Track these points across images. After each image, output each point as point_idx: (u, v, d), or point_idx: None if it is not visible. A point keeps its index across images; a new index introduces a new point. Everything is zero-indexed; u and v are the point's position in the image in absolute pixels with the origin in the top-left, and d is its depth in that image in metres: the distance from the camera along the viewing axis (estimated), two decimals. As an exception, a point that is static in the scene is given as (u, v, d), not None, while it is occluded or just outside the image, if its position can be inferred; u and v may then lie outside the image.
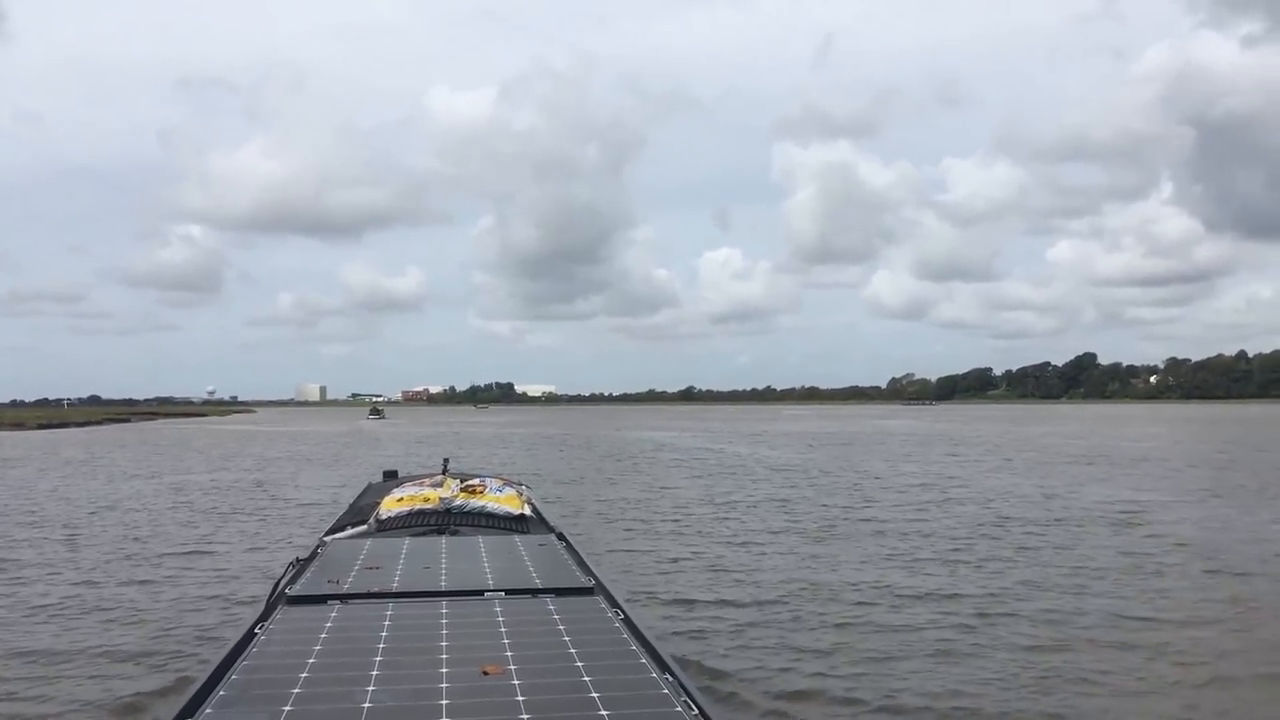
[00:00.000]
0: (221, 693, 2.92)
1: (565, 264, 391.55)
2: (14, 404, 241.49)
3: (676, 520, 17.62)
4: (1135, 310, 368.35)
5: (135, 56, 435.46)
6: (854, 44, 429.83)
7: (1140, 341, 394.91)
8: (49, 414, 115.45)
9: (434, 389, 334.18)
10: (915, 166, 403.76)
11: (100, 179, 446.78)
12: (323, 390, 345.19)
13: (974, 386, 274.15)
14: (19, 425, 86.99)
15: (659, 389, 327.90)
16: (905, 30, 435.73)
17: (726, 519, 17.78)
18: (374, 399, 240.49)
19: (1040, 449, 40.54)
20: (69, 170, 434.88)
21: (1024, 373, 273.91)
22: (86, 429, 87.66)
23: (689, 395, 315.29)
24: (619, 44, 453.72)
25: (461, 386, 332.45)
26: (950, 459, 34.35)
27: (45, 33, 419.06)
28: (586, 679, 3.01)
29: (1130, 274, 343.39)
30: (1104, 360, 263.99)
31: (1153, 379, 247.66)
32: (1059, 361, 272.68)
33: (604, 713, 2.73)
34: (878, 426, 73.38)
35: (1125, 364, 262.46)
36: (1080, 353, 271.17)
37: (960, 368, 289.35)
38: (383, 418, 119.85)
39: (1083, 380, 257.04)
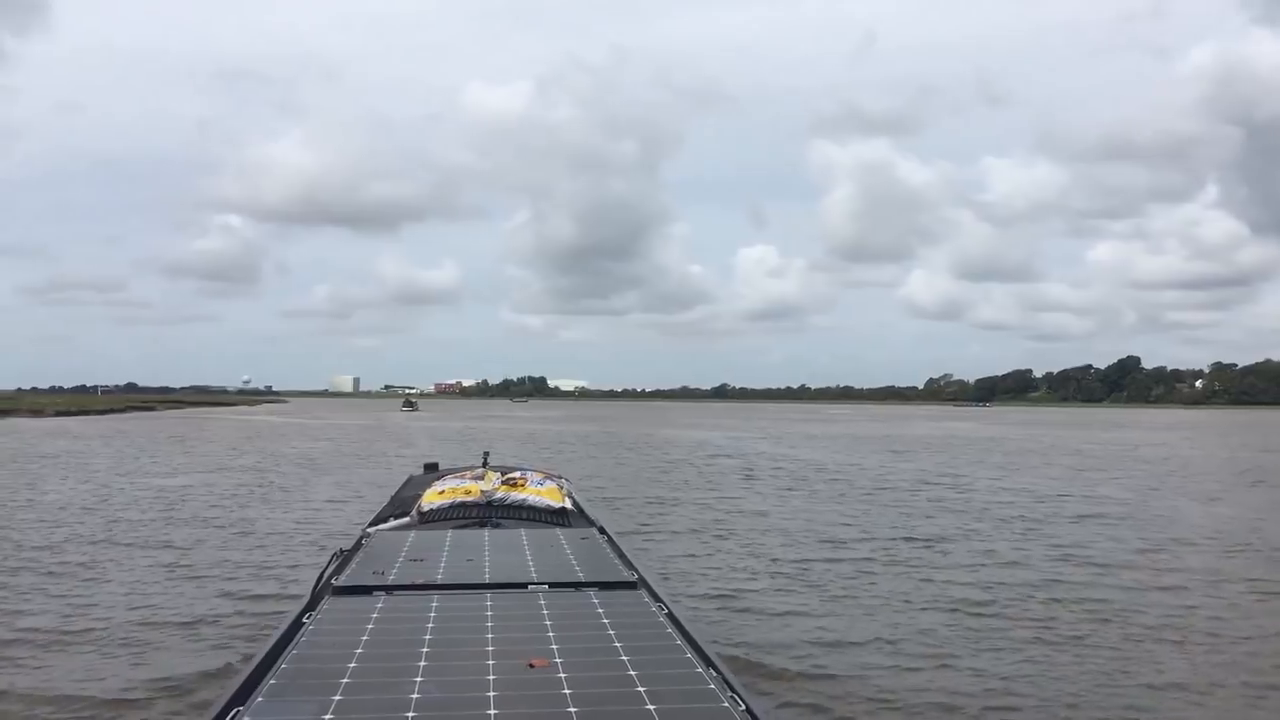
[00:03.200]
0: (272, 681, 2.88)
1: (599, 259, 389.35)
2: (52, 390, 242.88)
3: (787, 574, 12.41)
4: (1176, 314, 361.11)
5: (172, 48, 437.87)
6: (893, 40, 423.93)
7: (1180, 345, 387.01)
8: (71, 401, 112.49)
9: (467, 382, 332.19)
10: (954, 165, 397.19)
11: (138, 169, 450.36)
12: (356, 381, 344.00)
13: (1013, 388, 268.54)
14: (37, 412, 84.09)
15: (692, 386, 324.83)
16: (946, 27, 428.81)
17: (864, 575, 12.42)
18: (407, 391, 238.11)
19: (1180, 462, 34.91)
20: (108, 160, 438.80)
21: (1065, 375, 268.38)
22: (108, 417, 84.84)
23: (722, 393, 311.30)
24: (653, 39, 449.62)
25: (494, 380, 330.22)
26: (1090, 474, 28.73)
27: (85, 23, 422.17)
28: (633, 673, 2.94)
29: (1172, 276, 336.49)
30: (1145, 364, 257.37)
31: (1198, 383, 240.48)
32: (1097, 364, 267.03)
33: (651, 707, 2.66)
34: (946, 430, 67.57)
35: (1169, 368, 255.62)
36: (1118, 355, 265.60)
37: (996, 369, 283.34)
38: (416, 410, 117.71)
39: (1126, 384, 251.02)
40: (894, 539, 15.14)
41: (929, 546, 14.46)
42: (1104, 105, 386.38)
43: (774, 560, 13.29)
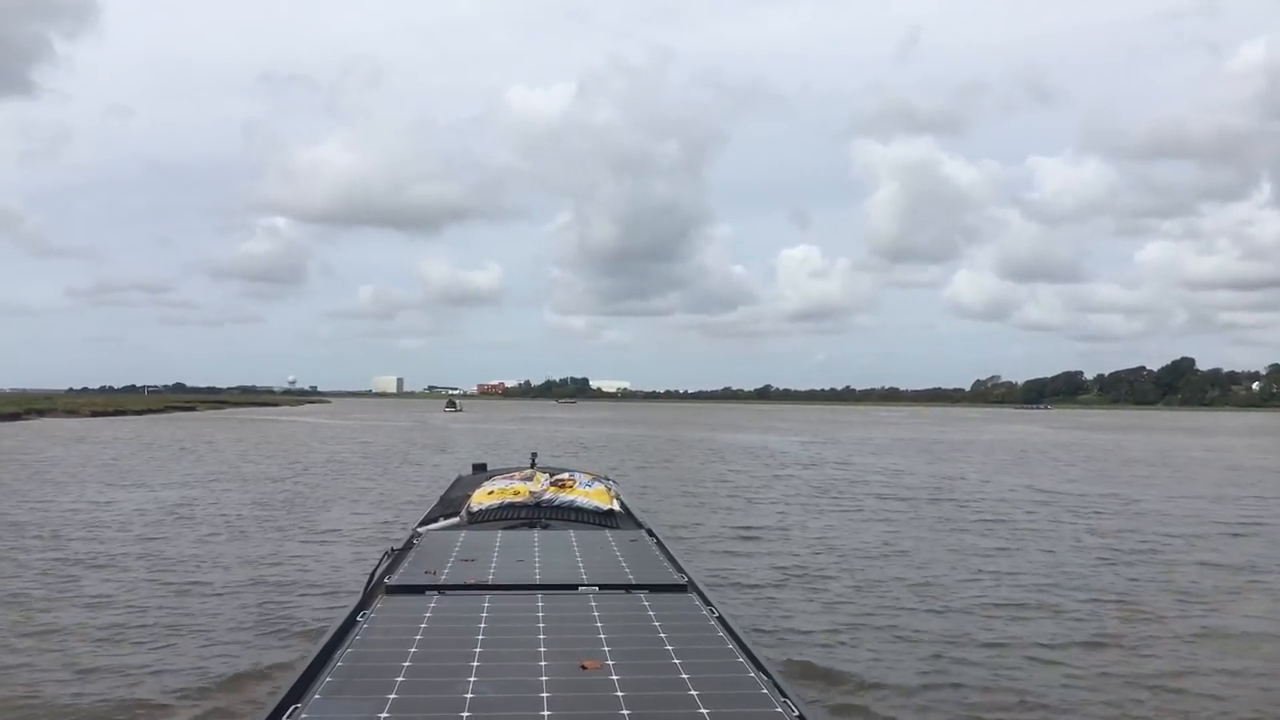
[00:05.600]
0: (328, 679, 2.87)
1: (642, 260, 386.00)
2: (103, 390, 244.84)
3: (961, 686, 8.59)
4: (1229, 314, 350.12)
5: (219, 53, 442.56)
6: (939, 38, 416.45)
7: (1232, 347, 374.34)
8: (110, 401, 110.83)
9: (509, 383, 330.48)
10: (1001, 164, 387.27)
11: (186, 172, 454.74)
12: (399, 382, 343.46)
13: (1063, 390, 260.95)
14: (72, 412, 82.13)
15: (735, 387, 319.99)
16: (992, 24, 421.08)
17: (1076, 681, 8.42)
18: (450, 392, 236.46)
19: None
20: (157, 163, 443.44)
21: (1116, 377, 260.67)
22: (144, 418, 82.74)
23: (765, 394, 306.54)
24: (696, 39, 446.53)
25: (536, 381, 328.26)
26: (1243, 489, 24.26)
27: (135, 29, 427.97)
28: (684, 676, 2.91)
29: (1224, 277, 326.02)
30: (1198, 365, 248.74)
31: (1255, 386, 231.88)
32: (1147, 365, 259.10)
33: (704, 711, 2.63)
34: (1018, 435, 62.07)
35: (1224, 369, 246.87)
36: (1168, 357, 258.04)
37: (1042, 371, 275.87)
38: (459, 411, 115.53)
39: (1179, 386, 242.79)
40: (1078, 601, 11.11)
41: (1145, 617, 10.39)
42: (1154, 103, 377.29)
43: (917, 641, 9.37)
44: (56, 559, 13.14)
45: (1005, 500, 21.62)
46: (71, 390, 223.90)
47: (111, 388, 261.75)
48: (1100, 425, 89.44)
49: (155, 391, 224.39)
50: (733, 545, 14.81)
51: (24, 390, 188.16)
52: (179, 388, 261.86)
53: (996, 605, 10.74)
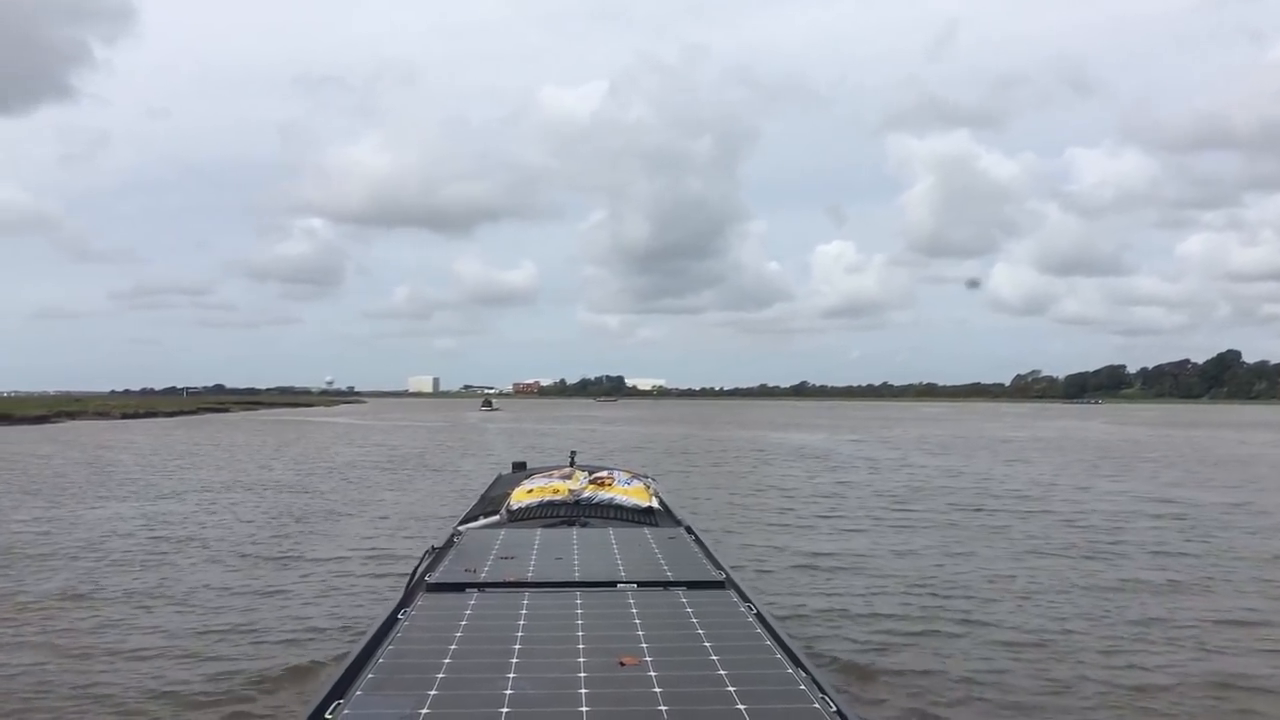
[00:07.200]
0: (370, 675, 2.90)
1: (676, 258, 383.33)
2: (144, 392, 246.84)
3: None
4: (1273, 306, 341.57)
5: (254, 55, 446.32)
6: (976, 31, 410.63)
7: (1276, 339, 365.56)
8: (142, 403, 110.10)
9: (545, 382, 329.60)
10: (1039, 157, 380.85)
11: (224, 174, 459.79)
12: (435, 382, 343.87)
13: (1105, 384, 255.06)
14: (103, 414, 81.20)
15: (770, 384, 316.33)
16: (1028, 16, 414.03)
17: None
18: (485, 391, 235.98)
19: None
20: (194, 165, 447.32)
21: (1160, 370, 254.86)
22: (175, 419, 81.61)
23: (801, 391, 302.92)
24: (729, 35, 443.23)
25: (572, 379, 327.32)
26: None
27: (171, 32, 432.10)
28: (723, 673, 2.93)
29: (1269, 268, 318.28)
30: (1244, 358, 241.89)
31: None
32: (1191, 358, 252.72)
33: (741, 707, 2.65)
34: (1082, 431, 58.14)
35: (1272, 362, 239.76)
36: (1211, 350, 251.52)
37: (1081, 365, 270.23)
38: (495, 410, 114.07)
39: (1225, 379, 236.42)
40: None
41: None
42: (1195, 92, 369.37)
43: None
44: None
45: (1116, 513, 18.64)
46: (114, 392, 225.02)
47: (152, 390, 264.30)
48: (1163, 420, 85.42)
49: (195, 393, 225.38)
50: (812, 580, 12.17)
51: (68, 392, 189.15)
52: (218, 389, 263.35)
53: (1191, 686, 8.03)
